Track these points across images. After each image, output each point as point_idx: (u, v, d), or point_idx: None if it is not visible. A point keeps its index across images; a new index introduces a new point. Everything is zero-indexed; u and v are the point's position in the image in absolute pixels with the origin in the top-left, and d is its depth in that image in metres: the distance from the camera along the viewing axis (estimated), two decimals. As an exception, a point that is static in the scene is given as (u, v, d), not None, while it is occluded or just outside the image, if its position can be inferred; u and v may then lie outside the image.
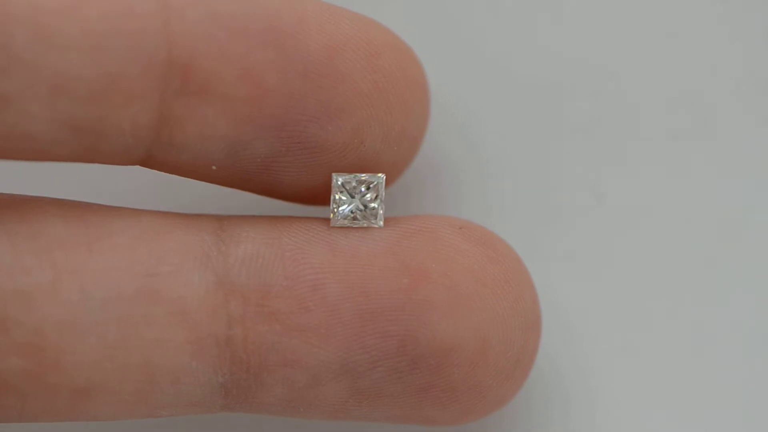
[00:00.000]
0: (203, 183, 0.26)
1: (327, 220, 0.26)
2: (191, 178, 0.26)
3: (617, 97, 0.31)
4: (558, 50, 0.31)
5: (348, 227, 0.26)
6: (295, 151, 0.25)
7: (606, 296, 0.30)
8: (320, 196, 0.27)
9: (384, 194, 0.26)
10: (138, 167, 0.26)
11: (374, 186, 0.26)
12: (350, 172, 0.26)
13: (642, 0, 0.31)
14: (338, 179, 0.26)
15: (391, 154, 0.26)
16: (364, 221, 0.26)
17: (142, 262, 0.24)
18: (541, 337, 0.27)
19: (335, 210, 0.26)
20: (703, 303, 0.30)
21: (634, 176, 0.30)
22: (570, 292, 0.30)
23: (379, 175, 0.26)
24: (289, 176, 0.26)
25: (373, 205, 0.26)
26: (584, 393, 0.29)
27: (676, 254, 0.30)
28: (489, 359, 0.25)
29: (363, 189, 0.26)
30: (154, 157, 0.25)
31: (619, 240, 0.30)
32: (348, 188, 0.26)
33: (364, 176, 0.26)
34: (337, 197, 0.26)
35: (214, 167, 0.25)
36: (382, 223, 0.26)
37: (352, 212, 0.26)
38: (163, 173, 0.26)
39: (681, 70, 0.31)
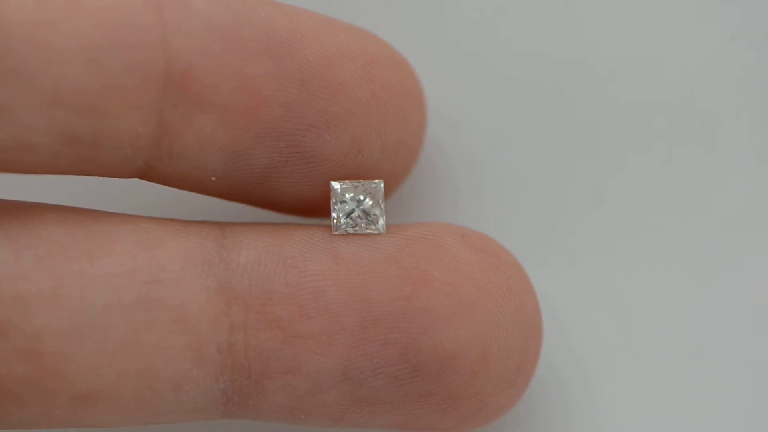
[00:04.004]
0: (203, 196, 0.26)
1: (329, 227, 0.26)
2: (191, 190, 0.26)
3: (617, 98, 0.31)
4: (556, 52, 0.31)
5: (350, 235, 0.26)
6: (293, 161, 0.25)
7: (607, 302, 0.30)
8: (320, 207, 0.27)
9: (384, 201, 0.26)
10: (137, 180, 0.26)
11: (372, 191, 0.26)
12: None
13: (642, 0, 0.31)
14: (337, 186, 0.26)
15: (389, 164, 0.27)
16: (366, 228, 0.26)
17: (143, 269, 0.24)
18: (542, 345, 0.27)
19: (335, 217, 0.26)
20: (704, 306, 0.30)
21: (634, 178, 0.30)
22: (570, 298, 0.30)
23: (377, 180, 0.26)
24: (289, 187, 0.26)
25: (372, 210, 0.26)
26: (585, 400, 0.29)
27: (676, 256, 0.30)
28: (490, 367, 0.25)
29: (362, 195, 0.26)
30: (153, 168, 0.25)
31: (620, 243, 0.30)
32: (347, 195, 0.26)
33: (361, 182, 0.26)
34: (336, 204, 0.26)
35: (213, 178, 0.25)
36: (383, 229, 0.26)
37: (352, 218, 0.26)
38: (163, 186, 0.26)
39: (681, 71, 0.30)
